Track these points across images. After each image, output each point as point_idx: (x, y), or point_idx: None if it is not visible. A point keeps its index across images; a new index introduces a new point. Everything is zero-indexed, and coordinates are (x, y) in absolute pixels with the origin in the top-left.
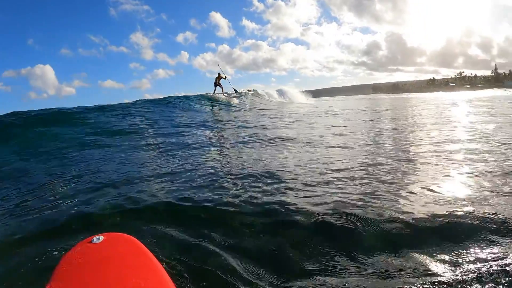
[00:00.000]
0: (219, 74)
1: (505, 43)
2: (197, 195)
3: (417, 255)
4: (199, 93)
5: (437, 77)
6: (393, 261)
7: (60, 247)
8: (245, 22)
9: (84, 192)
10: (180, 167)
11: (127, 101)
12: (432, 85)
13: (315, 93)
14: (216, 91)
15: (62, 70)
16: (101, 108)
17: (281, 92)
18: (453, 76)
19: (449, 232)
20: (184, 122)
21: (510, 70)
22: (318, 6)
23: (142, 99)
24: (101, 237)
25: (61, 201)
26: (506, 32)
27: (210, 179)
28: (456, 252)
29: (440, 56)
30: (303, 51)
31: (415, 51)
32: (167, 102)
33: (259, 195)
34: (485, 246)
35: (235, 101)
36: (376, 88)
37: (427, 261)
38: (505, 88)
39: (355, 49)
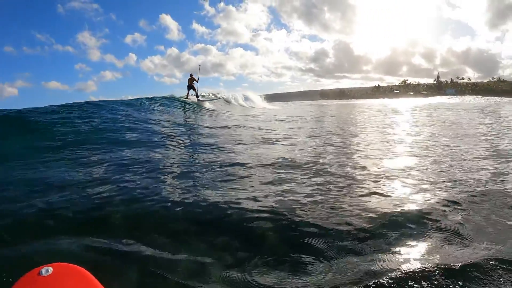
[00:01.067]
0: (191, 75)
1: (447, 53)
2: None
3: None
4: (145, 97)
5: (382, 84)
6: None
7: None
8: (195, 26)
9: None
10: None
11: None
12: (377, 92)
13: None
14: (189, 94)
15: (4, 69)
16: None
17: (246, 98)
18: (397, 84)
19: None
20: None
21: (451, 79)
22: (269, 13)
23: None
24: (50, 269)
25: None
26: (448, 43)
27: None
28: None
29: (385, 65)
30: (252, 57)
31: (361, 59)
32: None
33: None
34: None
35: (207, 105)
36: (323, 94)
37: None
38: (449, 96)
39: (303, 56)
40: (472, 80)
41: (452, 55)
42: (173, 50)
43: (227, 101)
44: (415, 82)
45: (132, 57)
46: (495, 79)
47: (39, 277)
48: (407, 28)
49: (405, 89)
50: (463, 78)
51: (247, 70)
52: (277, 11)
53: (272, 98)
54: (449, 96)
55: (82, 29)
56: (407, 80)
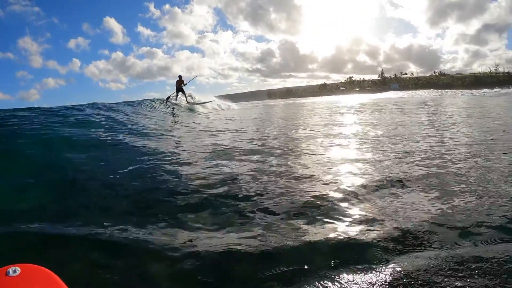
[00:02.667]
0: (180, 77)
1: (390, 50)
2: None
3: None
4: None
5: (328, 82)
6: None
7: None
8: (141, 29)
9: None
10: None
11: None
12: (324, 89)
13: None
14: (178, 97)
15: None
16: None
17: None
18: (343, 81)
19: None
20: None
21: (395, 74)
22: (214, 14)
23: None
24: (18, 269)
25: None
26: (391, 40)
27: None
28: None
29: (330, 63)
30: (199, 59)
31: (307, 58)
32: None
33: None
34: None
35: (198, 109)
36: (271, 94)
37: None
38: (394, 91)
39: (250, 57)
40: (415, 75)
41: (395, 51)
42: (118, 54)
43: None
44: (360, 78)
45: (76, 62)
46: (437, 73)
47: (7, 277)
48: (351, 27)
49: (351, 86)
50: (406, 73)
51: (193, 72)
52: (223, 12)
53: (221, 99)
54: (395, 92)
55: (23, 34)
56: (352, 77)
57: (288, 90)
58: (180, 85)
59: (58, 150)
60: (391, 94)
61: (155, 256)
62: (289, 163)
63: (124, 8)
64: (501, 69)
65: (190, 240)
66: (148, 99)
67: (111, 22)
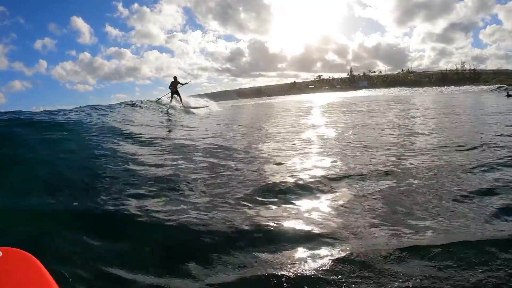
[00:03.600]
0: (175, 78)
1: (359, 49)
2: None
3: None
4: (60, 107)
5: (298, 80)
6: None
7: None
8: (108, 29)
9: None
10: None
11: None
12: (294, 88)
13: None
14: (173, 100)
15: None
16: None
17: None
18: (312, 79)
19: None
20: None
21: (364, 72)
22: (184, 14)
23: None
24: None
25: None
26: (359, 39)
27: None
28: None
29: (300, 62)
30: (168, 59)
31: (276, 57)
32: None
33: None
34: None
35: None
36: (240, 94)
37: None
38: (363, 90)
39: (219, 56)
40: (383, 73)
41: (364, 50)
42: (86, 55)
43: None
44: (329, 77)
45: (43, 64)
46: (404, 71)
47: None
48: (320, 26)
49: (320, 84)
50: (374, 71)
51: (162, 73)
52: (192, 12)
53: None
54: (364, 91)
55: None
56: (321, 75)
57: (258, 90)
58: (175, 87)
59: None
60: (360, 93)
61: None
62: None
63: (92, 7)
64: (467, 66)
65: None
66: (137, 101)
67: (79, 22)
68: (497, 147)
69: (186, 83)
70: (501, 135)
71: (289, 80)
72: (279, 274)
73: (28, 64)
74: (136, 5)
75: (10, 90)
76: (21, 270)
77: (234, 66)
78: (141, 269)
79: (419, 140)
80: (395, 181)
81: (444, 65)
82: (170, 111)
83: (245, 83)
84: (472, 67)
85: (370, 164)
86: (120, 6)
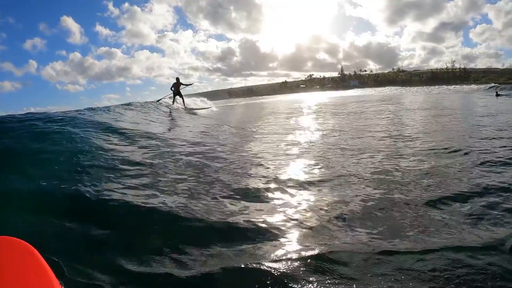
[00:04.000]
0: (177, 79)
1: (350, 48)
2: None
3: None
4: (50, 108)
5: (289, 80)
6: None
7: None
8: (99, 28)
9: None
10: None
11: None
12: (285, 87)
13: None
14: (176, 101)
15: None
16: None
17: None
18: (303, 79)
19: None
20: None
21: (355, 72)
22: (174, 13)
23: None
24: None
25: None
26: (350, 39)
27: None
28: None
29: (291, 61)
30: (159, 59)
31: (267, 57)
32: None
33: None
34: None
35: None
36: (231, 93)
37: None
38: (355, 89)
39: (210, 56)
40: (374, 72)
41: (355, 49)
42: (76, 55)
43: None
44: (320, 76)
45: (33, 64)
46: (395, 70)
47: None
48: (311, 26)
49: (311, 84)
50: (365, 70)
51: (153, 72)
52: (183, 11)
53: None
54: (354, 90)
55: None
56: (312, 74)
57: (249, 89)
58: (178, 88)
59: None
60: (351, 92)
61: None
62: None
63: (82, 6)
64: (457, 65)
65: None
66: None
67: (69, 22)
68: (482, 152)
69: (190, 84)
70: (487, 138)
71: (280, 80)
72: (252, 267)
73: (17, 64)
74: (126, 5)
75: (0, 91)
76: (18, 259)
77: (225, 65)
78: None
79: (406, 144)
80: (377, 185)
81: (434, 64)
82: (163, 111)
83: (236, 82)
84: (462, 66)
85: (353, 168)
86: (110, 6)
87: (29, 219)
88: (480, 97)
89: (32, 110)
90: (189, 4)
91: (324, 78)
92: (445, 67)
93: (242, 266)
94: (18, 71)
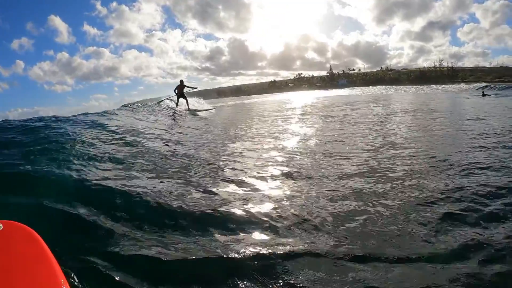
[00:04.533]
0: (181, 82)
1: (338, 47)
2: None
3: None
4: (37, 109)
5: (278, 79)
6: None
7: None
8: (87, 28)
9: None
10: None
11: None
12: (273, 86)
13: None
14: (179, 103)
15: None
16: None
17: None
18: (292, 78)
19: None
20: None
21: (343, 70)
22: (163, 12)
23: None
24: (0, 225)
25: None
26: (339, 38)
27: None
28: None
29: (279, 60)
30: (147, 58)
31: (256, 56)
32: None
33: None
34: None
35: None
36: (220, 92)
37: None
38: (343, 88)
39: (199, 55)
40: (363, 71)
41: (343, 48)
42: (64, 55)
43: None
44: (309, 75)
45: (20, 64)
46: (383, 69)
47: None
48: (300, 25)
49: (300, 83)
50: (353, 69)
51: (142, 72)
52: (171, 11)
53: (171, 100)
54: (342, 89)
55: None
56: (301, 73)
57: (238, 88)
58: (181, 91)
59: None
60: (340, 92)
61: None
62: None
63: (70, 6)
64: (445, 64)
65: None
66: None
67: (56, 21)
68: (466, 163)
69: (195, 88)
70: (471, 148)
71: (269, 79)
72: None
73: (4, 64)
74: (114, 4)
75: None
76: (21, 244)
77: (214, 65)
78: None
79: (390, 152)
80: (351, 192)
81: (422, 62)
82: (168, 114)
83: (225, 82)
84: (450, 65)
85: (327, 172)
86: (98, 5)
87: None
88: (468, 97)
89: (20, 111)
90: (178, 3)
91: (312, 77)
92: (433, 66)
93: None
94: (5, 71)
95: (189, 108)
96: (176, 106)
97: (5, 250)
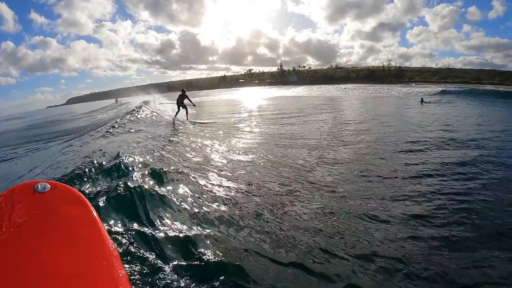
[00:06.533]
0: (183, 91)
1: (290, 44)
2: None
3: None
4: None
5: (228, 74)
6: None
7: None
8: (34, 15)
9: None
10: None
11: None
12: (224, 82)
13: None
14: (179, 113)
15: None
16: None
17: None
18: (243, 73)
19: None
20: None
21: (293, 67)
22: (114, 2)
23: None
24: (47, 186)
25: None
26: (291, 34)
27: None
28: None
29: (231, 55)
30: (96, 50)
31: (208, 50)
32: None
33: None
34: None
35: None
36: (170, 87)
37: None
38: (293, 87)
39: (149, 48)
40: (313, 67)
41: (295, 45)
42: (8, 44)
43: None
44: (259, 71)
45: None
46: (333, 66)
47: (35, 193)
48: (253, 20)
49: (251, 78)
50: (304, 66)
51: (90, 64)
52: (122, 0)
53: (116, 94)
54: (292, 89)
55: None
56: (252, 69)
57: (188, 83)
58: (182, 100)
59: None
60: (290, 92)
61: None
62: None
63: None
64: (393, 64)
65: None
66: None
67: (2, 8)
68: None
69: (194, 105)
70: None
71: (220, 74)
72: None
73: None
74: None
75: None
76: (68, 206)
77: (164, 58)
78: None
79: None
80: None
81: (371, 61)
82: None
83: (175, 75)
84: (398, 65)
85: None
86: None
87: None
88: (408, 104)
89: None
90: None
91: (263, 73)
92: (382, 65)
93: None
94: None
95: (187, 118)
96: (175, 116)
97: (52, 210)
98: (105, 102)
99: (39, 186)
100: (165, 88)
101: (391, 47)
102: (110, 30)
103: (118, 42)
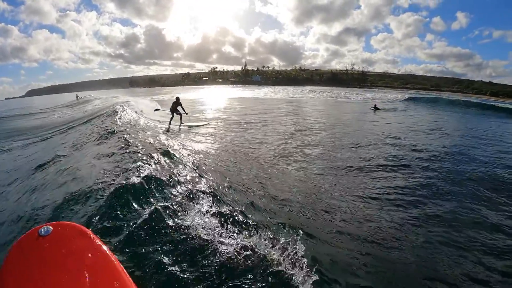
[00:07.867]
0: (177, 98)
1: (255, 43)
2: None
3: None
4: None
5: (192, 71)
6: None
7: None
8: None
9: None
10: None
11: None
12: (187, 79)
13: (69, 87)
14: (173, 119)
15: None
16: None
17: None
18: (207, 71)
19: None
20: None
21: (258, 67)
22: None
23: None
24: (50, 228)
25: None
26: (257, 34)
27: None
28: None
29: (196, 52)
30: (58, 40)
31: (172, 46)
32: None
33: None
34: None
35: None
36: (133, 82)
37: None
38: (256, 88)
39: (113, 41)
40: (277, 68)
41: (260, 45)
42: None
43: None
44: (224, 69)
45: None
46: (297, 68)
47: (40, 238)
48: (220, 18)
49: (214, 76)
50: (268, 67)
51: (51, 55)
52: None
53: (76, 87)
54: (255, 90)
55: None
56: (216, 67)
57: (151, 79)
58: (176, 107)
59: None
60: (249, 94)
61: None
62: None
63: None
64: (356, 68)
65: None
66: None
67: None
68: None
69: (186, 114)
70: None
71: (184, 70)
72: None
73: None
74: None
75: None
76: (74, 241)
77: (128, 52)
78: None
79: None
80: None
81: (335, 65)
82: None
83: (138, 70)
84: (361, 69)
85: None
86: None
87: None
88: (364, 111)
89: None
90: None
91: (227, 71)
92: (345, 68)
93: None
94: None
95: (181, 122)
96: (169, 122)
97: (59, 250)
98: (67, 97)
99: (42, 230)
100: (127, 83)
101: (356, 52)
102: (74, 21)
103: (81, 33)
